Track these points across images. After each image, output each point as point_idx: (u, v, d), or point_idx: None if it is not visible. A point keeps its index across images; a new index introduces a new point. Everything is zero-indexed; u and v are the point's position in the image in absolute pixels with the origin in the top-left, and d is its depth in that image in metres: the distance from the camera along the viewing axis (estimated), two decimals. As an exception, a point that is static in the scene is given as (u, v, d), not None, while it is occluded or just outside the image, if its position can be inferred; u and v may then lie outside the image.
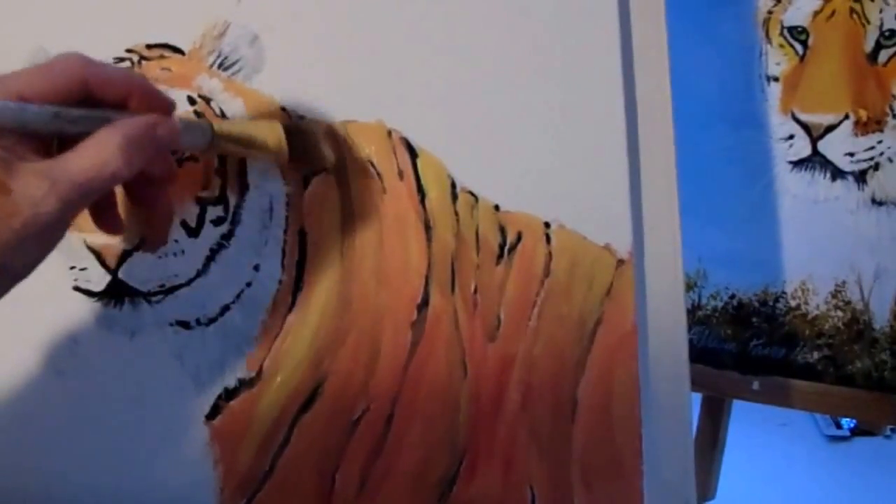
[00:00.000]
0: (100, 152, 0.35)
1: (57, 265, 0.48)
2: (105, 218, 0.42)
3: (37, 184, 0.33)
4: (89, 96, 0.37)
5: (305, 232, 0.47)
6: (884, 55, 0.68)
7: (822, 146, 0.70)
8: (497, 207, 0.45)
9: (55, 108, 0.36)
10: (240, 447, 0.47)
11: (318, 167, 0.46)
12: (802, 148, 0.71)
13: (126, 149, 0.36)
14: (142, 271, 0.48)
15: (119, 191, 0.43)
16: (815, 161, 0.70)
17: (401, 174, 0.46)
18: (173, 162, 0.44)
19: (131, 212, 0.44)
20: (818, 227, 0.71)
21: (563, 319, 0.44)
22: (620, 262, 0.44)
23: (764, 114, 0.72)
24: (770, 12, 0.71)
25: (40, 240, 0.34)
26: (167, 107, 0.41)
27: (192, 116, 0.47)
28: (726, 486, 0.83)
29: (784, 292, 0.72)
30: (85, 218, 0.42)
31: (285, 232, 0.47)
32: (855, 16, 0.68)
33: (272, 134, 0.44)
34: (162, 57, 0.49)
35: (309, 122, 0.47)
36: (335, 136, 0.46)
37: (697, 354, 0.75)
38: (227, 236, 0.47)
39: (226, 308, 0.47)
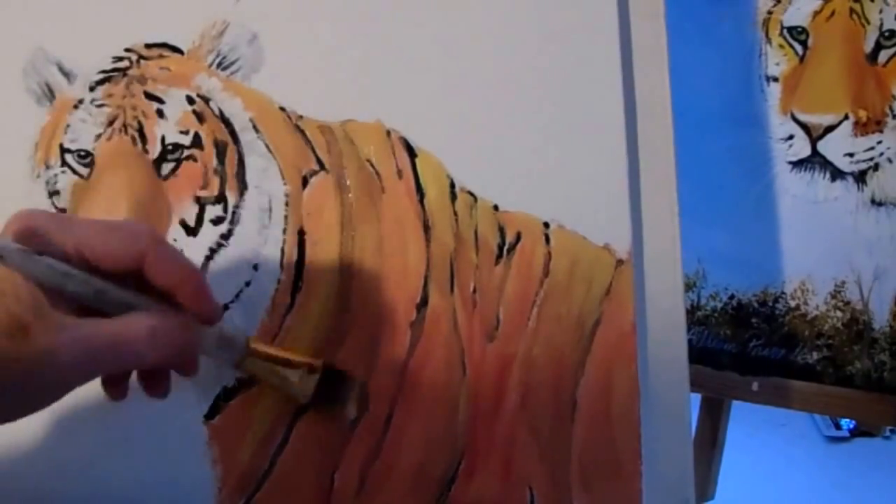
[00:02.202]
0: (128, 328, 0.34)
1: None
2: (114, 388, 0.39)
3: (54, 334, 0.32)
4: (141, 272, 0.36)
5: (304, 232, 0.47)
6: (884, 55, 0.68)
7: (822, 146, 0.70)
8: (496, 207, 0.45)
9: (99, 285, 0.35)
10: (239, 447, 0.47)
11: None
12: (802, 148, 0.71)
13: (153, 337, 0.35)
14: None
15: None
16: (815, 161, 0.70)
17: (400, 174, 0.46)
18: (198, 360, 0.41)
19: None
20: (818, 228, 0.71)
21: (563, 319, 0.44)
22: (620, 262, 0.44)
23: (764, 114, 0.72)
24: (770, 12, 0.71)
25: (36, 391, 0.32)
26: (213, 313, 0.39)
27: (227, 331, 0.42)
28: (726, 487, 0.83)
29: (783, 293, 0.72)
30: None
31: (284, 231, 0.47)
32: (855, 16, 0.68)
33: (306, 375, 0.43)
34: (161, 56, 0.49)
35: (350, 373, 0.45)
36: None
37: (697, 355, 0.75)
38: (227, 236, 0.47)
39: (224, 308, 0.47)
